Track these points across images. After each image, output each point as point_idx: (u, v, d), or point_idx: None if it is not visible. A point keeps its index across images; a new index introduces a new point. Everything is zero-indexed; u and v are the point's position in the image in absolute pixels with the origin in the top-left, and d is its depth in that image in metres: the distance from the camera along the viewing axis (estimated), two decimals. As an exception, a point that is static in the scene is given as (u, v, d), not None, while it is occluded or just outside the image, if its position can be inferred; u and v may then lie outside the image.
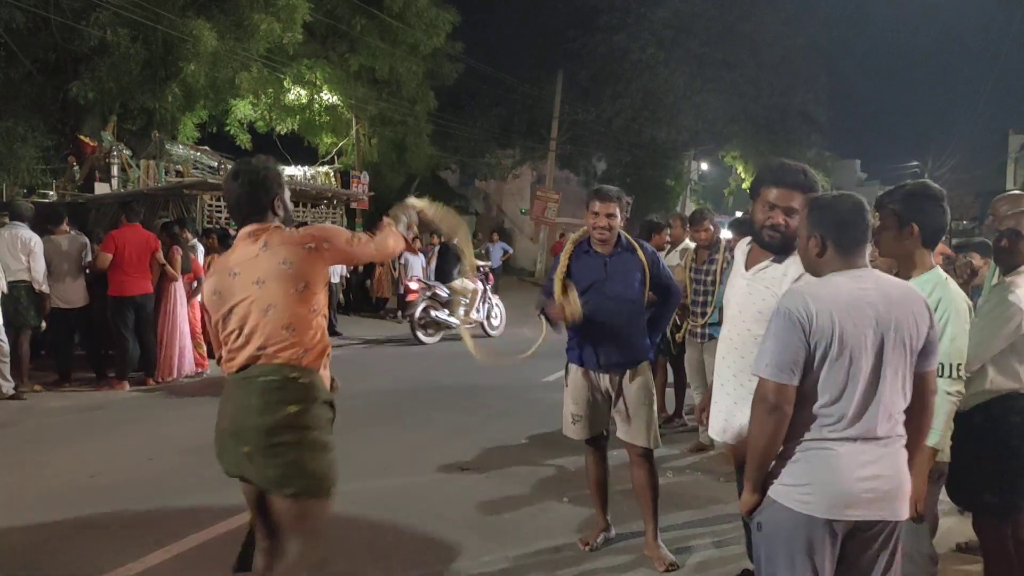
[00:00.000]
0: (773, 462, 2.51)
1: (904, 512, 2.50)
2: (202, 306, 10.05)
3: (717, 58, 27.55)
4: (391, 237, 3.24)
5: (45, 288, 8.16)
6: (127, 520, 4.84)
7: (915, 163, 52.25)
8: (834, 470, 2.41)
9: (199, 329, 9.33)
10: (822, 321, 2.38)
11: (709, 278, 6.35)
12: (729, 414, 3.37)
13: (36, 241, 8.18)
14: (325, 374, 3.00)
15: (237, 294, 2.90)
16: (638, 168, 29.63)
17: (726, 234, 8.39)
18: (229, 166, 15.99)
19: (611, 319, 4.23)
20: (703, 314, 6.36)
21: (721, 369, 3.47)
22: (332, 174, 18.09)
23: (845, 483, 2.40)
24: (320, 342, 2.96)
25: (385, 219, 3.36)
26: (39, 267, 8.13)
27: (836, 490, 2.40)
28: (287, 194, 3.09)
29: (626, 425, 4.31)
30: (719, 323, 3.52)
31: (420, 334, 12.46)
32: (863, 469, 2.41)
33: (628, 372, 4.29)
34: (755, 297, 3.28)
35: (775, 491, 2.50)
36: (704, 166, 37.10)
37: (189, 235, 9.84)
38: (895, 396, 2.47)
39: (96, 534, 4.63)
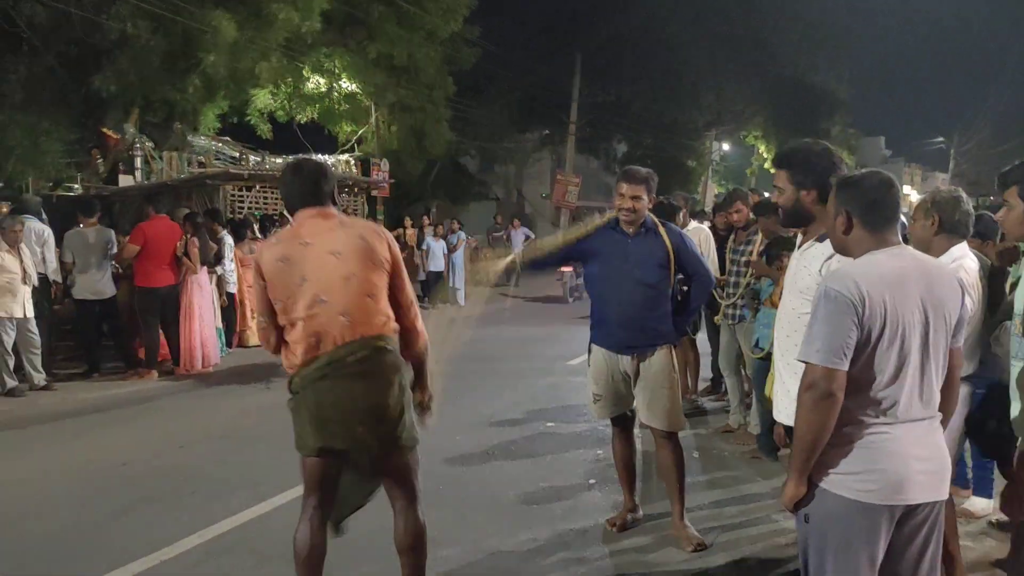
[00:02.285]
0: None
1: (947, 491, 2.49)
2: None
3: (738, 36, 27.26)
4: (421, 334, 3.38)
5: (57, 277, 8.35)
6: (159, 507, 4.91)
7: (940, 139, 51.53)
8: (891, 455, 2.37)
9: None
10: (874, 302, 2.32)
11: (743, 259, 6.18)
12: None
13: (48, 233, 8.38)
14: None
15: (311, 261, 3.01)
16: (659, 150, 29.44)
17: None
18: (251, 156, 16.18)
19: (628, 301, 4.21)
20: (733, 294, 6.25)
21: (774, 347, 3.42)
22: (352, 162, 18.15)
23: (902, 467, 2.36)
24: (389, 311, 3.14)
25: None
26: (53, 258, 8.40)
27: (894, 475, 2.36)
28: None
29: (646, 408, 4.30)
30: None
31: None
32: (916, 451, 2.39)
33: (647, 355, 4.25)
34: (799, 275, 3.25)
35: (825, 480, 2.42)
36: (725, 146, 36.78)
37: (219, 228, 9.93)
38: (939, 374, 2.46)
39: (128, 521, 4.70)
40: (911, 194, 41.08)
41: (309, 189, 3.13)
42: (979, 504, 4.70)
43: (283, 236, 3.22)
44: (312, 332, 3.01)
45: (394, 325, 3.14)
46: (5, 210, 8.75)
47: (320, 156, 17.59)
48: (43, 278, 8.27)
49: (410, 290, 3.27)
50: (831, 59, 30.35)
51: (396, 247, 3.21)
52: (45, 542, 4.42)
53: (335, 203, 3.21)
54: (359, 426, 3.03)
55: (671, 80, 27.06)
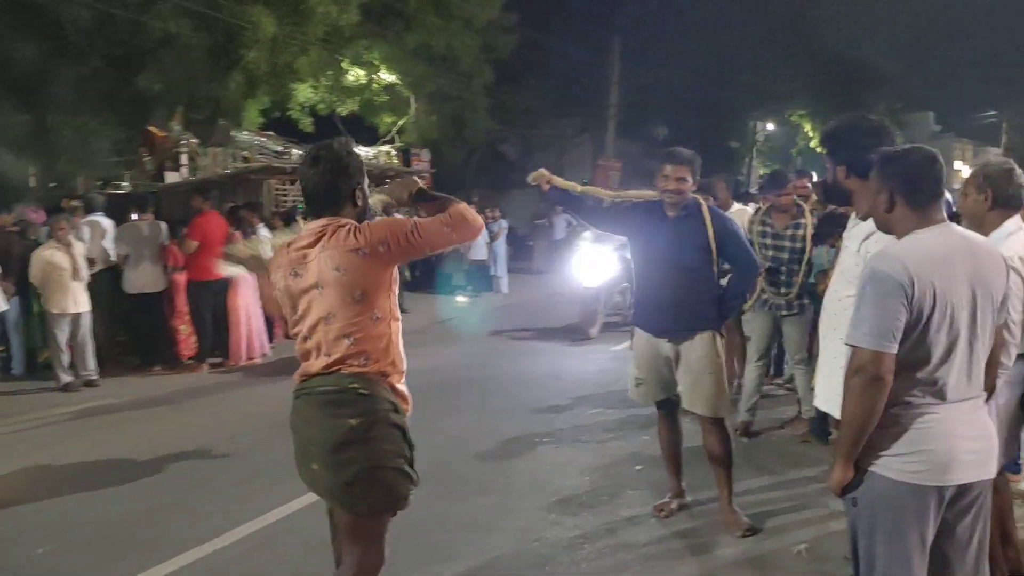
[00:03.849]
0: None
1: (995, 469, 2.45)
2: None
3: (778, 12, 26.79)
4: (462, 212, 2.81)
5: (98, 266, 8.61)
6: (211, 496, 5.01)
7: (992, 112, 50.07)
8: (941, 436, 2.34)
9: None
10: (923, 283, 2.28)
11: (799, 245, 5.74)
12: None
13: (110, 225, 8.80)
14: (396, 386, 2.81)
15: (300, 297, 2.75)
16: (701, 132, 29.06)
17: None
18: (294, 150, 16.35)
19: (668, 284, 4.16)
20: (787, 283, 5.76)
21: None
22: (393, 153, 18.24)
23: (950, 447, 2.34)
24: (387, 351, 2.75)
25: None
26: (110, 247, 8.80)
27: (942, 455, 2.33)
28: (367, 183, 2.84)
29: (689, 393, 4.26)
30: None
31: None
32: (963, 430, 2.37)
33: (688, 339, 4.19)
34: (843, 256, 3.20)
35: (873, 463, 2.39)
36: (770, 126, 36.20)
37: (256, 219, 10.02)
38: (985, 352, 2.42)
39: (182, 510, 4.81)
40: (962, 170, 40.07)
41: (324, 189, 2.74)
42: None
43: (279, 261, 2.83)
44: (300, 352, 2.83)
45: (378, 367, 2.72)
46: (79, 213, 9.03)
47: (361, 148, 17.72)
48: (103, 271, 8.49)
49: (430, 234, 2.74)
50: (874, 33, 29.67)
51: (393, 233, 2.69)
52: (101, 531, 4.54)
53: (357, 203, 2.78)
54: (312, 462, 2.74)
55: (711, 60, 26.69)
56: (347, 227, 2.69)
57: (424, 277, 16.81)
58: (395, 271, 2.81)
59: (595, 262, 10.48)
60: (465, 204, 2.87)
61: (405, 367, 2.87)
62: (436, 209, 2.91)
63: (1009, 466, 4.18)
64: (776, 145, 37.27)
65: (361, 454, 2.67)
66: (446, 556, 4.05)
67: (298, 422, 2.81)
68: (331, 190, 2.75)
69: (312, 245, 2.71)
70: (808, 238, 5.73)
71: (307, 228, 2.81)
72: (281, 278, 2.80)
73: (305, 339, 2.78)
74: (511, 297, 15.55)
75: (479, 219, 2.87)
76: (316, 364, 2.74)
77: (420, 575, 3.86)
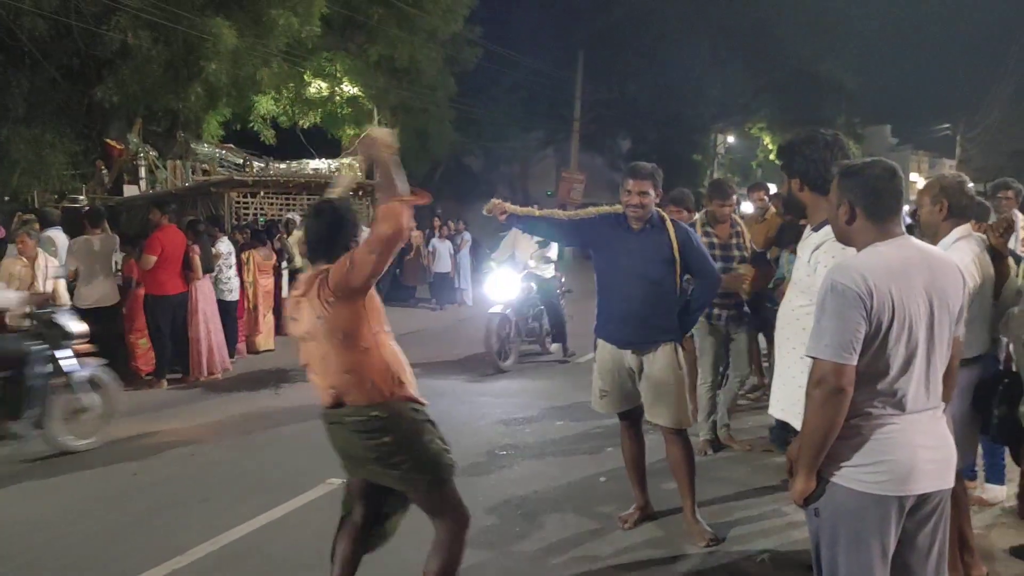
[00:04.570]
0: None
1: (953, 479, 2.48)
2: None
3: (740, 27, 27.19)
4: (377, 227, 2.93)
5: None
6: (171, 515, 4.91)
7: (947, 125, 51.21)
8: (901, 446, 2.36)
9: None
10: (882, 295, 2.31)
11: (744, 254, 5.82)
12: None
13: (64, 240, 8.50)
14: (407, 389, 3.13)
15: (300, 340, 3.13)
16: (664, 145, 29.36)
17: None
18: (255, 163, 16.22)
19: (631, 297, 4.19)
20: (724, 294, 5.62)
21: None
22: (357, 166, 18.17)
23: (910, 457, 2.36)
24: (387, 365, 3.07)
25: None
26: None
27: (903, 466, 2.35)
28: (361, 233, 3.19)
29: (651, 404, 4.28)
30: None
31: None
32: (923, 441, 2.39)
33: (651, 351, 4.22)
34: (796, 266, 3.25)
35: (835, 474, 2.41)
36: (731, 139, 36.69)
37: (217, 232, 9.90)
38: (942, 363, 2.45)
39: (141, 530, 4.70)
40: (918, 181, 40.88)
41: (327, 237, 3.10)
42: (993, 491, 4.68)
43: (289, 303, 3.29)
44: (316, 386, 3.20)
45: (386, 387, 3.06)
46: (36, 226, 8.79)
47: (324, 160, 17.62)
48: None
49: (363, 257, 2.91)
50: (835, 48, 30.22)
51: (341, 274, 2.92)
52: (58, 553, 4.42)
53: (350, 248, 3.04)
54: (364, 466, 3.18)
55: (674, 74, 26.97)
56: (321, 277, 3.01)
57: (391, 289, 16.72)
58: (370, 294, 3.06)
59: (505, 285, 9.50)
60: (395, 206, 2.90)
61: (409, 370, 3.18)
62: (382, 201, 2.99)
63: (966, 472, 4.26)
64: (737, 157, 37.80)
65: (406, 454, 3.07)
66: (412, 570, 4.00)
67: (338, 443, 3.20)
68: (333, 238, 3.09)
69: (305, 293, 3.06)
70: (747, 246, 5.83)
71: (304, 276, 3.16)
72: (288, 322, 3.30)
73: (315, 375, 3.15)
74: (476, 308, 15.51)
75: (401, 225, 2.89)
76: (335, 398, 3.09)
77: (383, 591, 3.81)
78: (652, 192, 4.19)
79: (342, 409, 3.09)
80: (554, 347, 9.96)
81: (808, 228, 3.21)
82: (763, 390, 6.90)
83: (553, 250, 9.65)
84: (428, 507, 3.21)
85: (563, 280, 10.47)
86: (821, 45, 29.40)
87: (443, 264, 15.63)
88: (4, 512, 5.05)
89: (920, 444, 2.38)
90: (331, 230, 3.10)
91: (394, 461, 3.07)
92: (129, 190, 14.28)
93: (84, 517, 4.91)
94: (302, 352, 3.16)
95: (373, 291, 3.07)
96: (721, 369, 5.98)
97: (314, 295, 3.00)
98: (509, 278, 9.49)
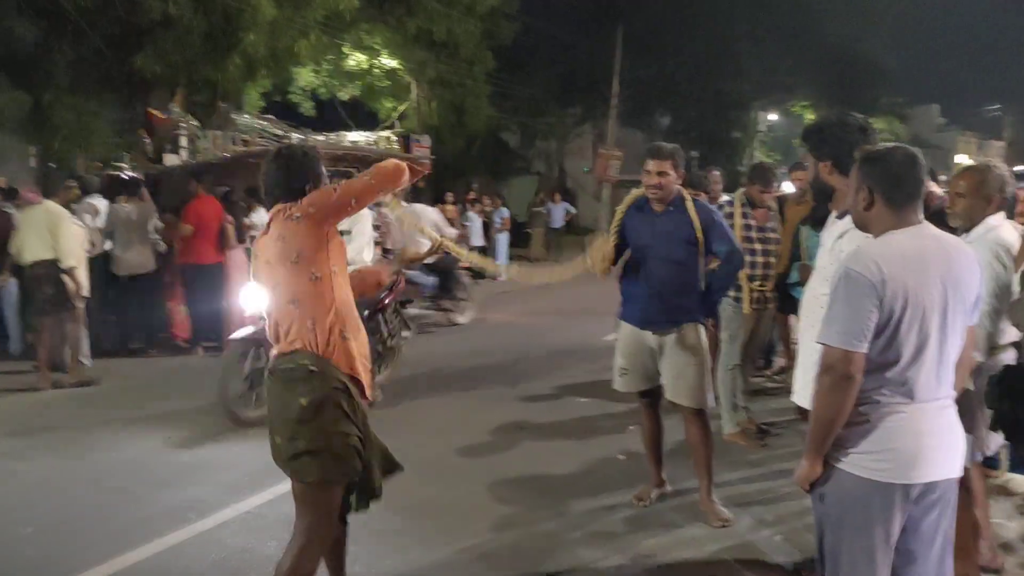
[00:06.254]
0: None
1: (961, 468, 2.48)
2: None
3: (783, 2, 26.64)
4: (382, 165, 3.05)
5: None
6: (196, 480, 5.05)
7: (998, 106, 49.96)
8: (905, 434, 2.37)
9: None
10: (895, 283, 2.30)
11: (778, 236, 5.78)
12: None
13: (105, 206, 8.90)
14: (352, 347, 2.95)
15: (261, 277, 3.03)
16: (703, 122, 29.01)
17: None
18: (294, 134, 16.32)
19: (654, 278, 4.22)
20: (767, 277, 5.70)
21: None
22: (394, 139, 18.21)
23: (916, 445, 2.36)
24: (331, 309, 2.90)
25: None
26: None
27: (908, 454, 2.36)
28: (325, 183, 3.06)
29: (672, 384, 4.31)
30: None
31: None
32: (930, 429, 2.39)
33: (672, 332, 4.25)
34: (820, 253, 3.23)
35: (841, 460, 2.42)
36: (772, 117, 36.08)
37: (254, 204, 10.01)
38: (955, 352, 2.45)
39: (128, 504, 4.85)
40: (964, 161, 39.98)
41: (274, 182, 3.02)
42: (1016, 481, 4.63)
43: (254, 250, 3.12)
44: (270, 333, 3.06)
45: (322, 335, 2.89)
46: (77, 192, 8.96)
47: (361, 133, 17.69)
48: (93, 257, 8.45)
49: (348, 185, 2.97)
50: (879, 25, 29.50)
51: (320, 194, 2.94)
52: (63, 522, 4.57)
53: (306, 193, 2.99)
54: (276, 435, 2.97)
55: (715, 51, 26.55)
56: (285, 207, 2.95)
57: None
58: (333, 235, 2.98)
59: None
60: (395, 161, 3.08)
61: (362, 329, 3.05)
62: None
63: (988, 461, 4.22)
64: (778, 136, 37.19)
65: (308, 432, 2.87)
66: (431, 543, 4.10)
67: (268, 398, 3.06)
68: (282, 183, 3.01)
69: (266, 232, 3.01)
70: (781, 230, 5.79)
71: (269, 214, 3.05)
72: (253, 267, 3.11)
73: (269, 316, 3.03)
74: (507, 284, 15.54)
75: (401, 167, 3.06)
76: (280, 344, 2.97)
77: (403, 561, 3.90)
78: (672, 172, 4.19)
79: (282, 357, 2.94)
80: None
81: (833, 214, 3.19)
82: (790, 372, 6.86)
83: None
84: (302, 501, 2.98)
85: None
86: (864, 22, 28.71)
87: (475, 239, 15.67)
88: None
89: (926, 432, 2.39)
90: (288, 174, 3.00)
91: (296, 431, 2.87)
92: (170, 159, 14.46)
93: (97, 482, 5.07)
94: (266, 291, 3.02)
95: (337, 234, 3.01)
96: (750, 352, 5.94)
97: (279, 219, 2.93)
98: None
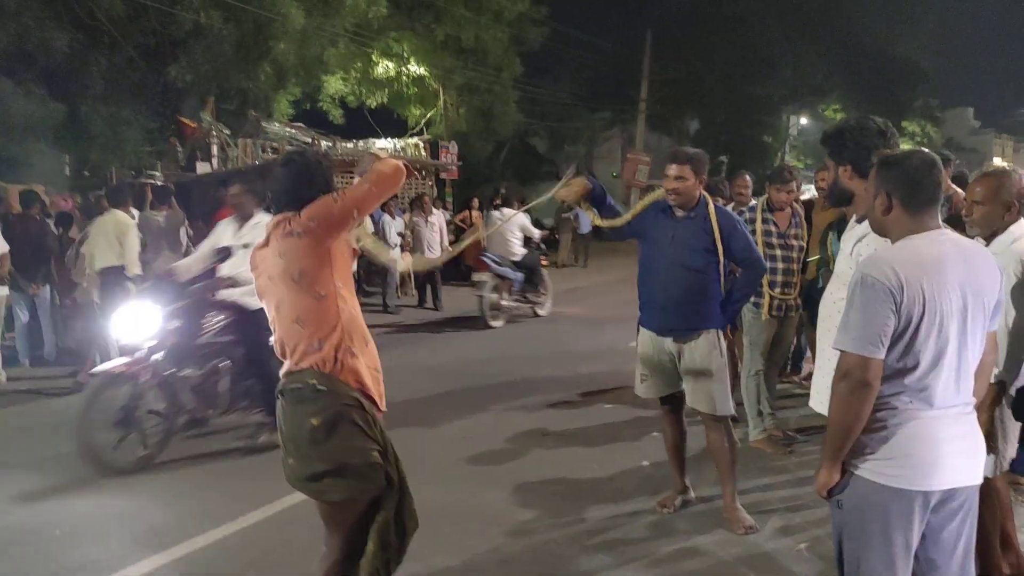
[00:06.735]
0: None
1: (981, 475, 2.44)
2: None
3: (814, 5, 26.43)
4: (377, 164, 2.96)
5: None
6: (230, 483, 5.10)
7: (1033, 109, 49.10)
8: (926, 440, 2.34)
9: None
10: (913, 289, 2.28)
11: (801, 243, 5.69)
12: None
13: (136, 215, 8.74)
14: (360, 363, 2.86)
15: (263, 293, 2.94)
16: (733, 126, 28.86)
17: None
18: (323, 142, 16.52)
19: (672, 284, 4.19)
20: (790, 284, 5.63)
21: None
22: (421, 145, 18.35)
23: (937, 453, 2.34)
24: (337, 328, 2.82)
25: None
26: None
27: (929, 461, 2.33)
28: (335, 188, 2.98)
29: (691, 390, 4.29)
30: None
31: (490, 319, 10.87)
32: (951, 436, 2.36)
33: (691, 339, 4.22)
34: (839, 258, 3.20)
35: (859, 467, 2.40)
36: (803, 120, 35.79)
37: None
38: (975, 359, 2.42)
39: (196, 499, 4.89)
40: (999, 163, 39.33)
41: (284, 189, 2.90)
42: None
43: (253, 261, 2.99)
44: (277, 351, 2.98)
45: (329, 353, 2.80)
46: (104, 201, 9.11)
47: (390, 140, 17.84)
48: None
49: (349, 193, 2.86)
50: (912, 28, 29.13)
51: (319, 206, 2.81)
52: (119, 520, 4.64)
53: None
54: (288, 456, 2.88)
55: (744, 54, 26.41)
56: (287, 218, 2.84)
57: (450, 270, 16.81)
58: (342, 248, 2.89)
59: (144, 321, 5.35)
60: (389, 160, 2.99)
61: (371, 341, 2.96)
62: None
63: (1018, 467, 4.14)
64: (810, 139, 36.87)
65: (324, 453, 2.80)
66: (451, 548, 4.10)
67: (279, 419, 2.94)
68: (292, 191, 2.89)
69: (266, 244, 2.90)
70: (805, 236, 5.69)
71: (268, 223, 2.97)
72: (256, 279, 2.99)
73: (274, 333, 2.94)
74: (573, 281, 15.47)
75: (399, 168, 2.96)
76: (288, 363, 2.89)
77: (424, 566, 3.90)
78: (691, 178, 4.16)
79: (290, 376, 2.86)
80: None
81: (852, 219, 3.16)
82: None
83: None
84: (329, 519, 2.93)
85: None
86: (898, 25, 28.38)
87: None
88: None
89: (945, 439, 2.35)
90: (298, 181, 2.88)
91: (311, 454, 2.80)
92: (201, 167, 14.69)
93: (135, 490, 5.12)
94: (269, 309, 2.93)
95: (345, 247, 2.91)
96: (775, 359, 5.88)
97: (278, 235, 2.82)
98: (150, 314, 5.35)
